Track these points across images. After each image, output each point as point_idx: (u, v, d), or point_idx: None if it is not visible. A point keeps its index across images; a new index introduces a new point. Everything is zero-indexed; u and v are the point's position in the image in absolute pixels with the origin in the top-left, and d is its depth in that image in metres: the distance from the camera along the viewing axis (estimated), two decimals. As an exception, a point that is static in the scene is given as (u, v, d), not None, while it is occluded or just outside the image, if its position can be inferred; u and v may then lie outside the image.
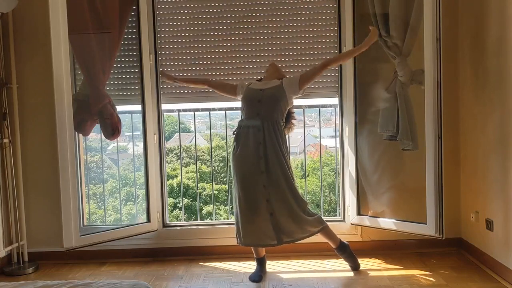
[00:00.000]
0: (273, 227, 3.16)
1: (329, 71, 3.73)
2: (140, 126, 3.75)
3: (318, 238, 3.49)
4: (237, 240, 3.29)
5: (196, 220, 6.51)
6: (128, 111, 3.95)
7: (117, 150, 4.65)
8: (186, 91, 3.79)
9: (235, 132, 3.26)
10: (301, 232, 3.21)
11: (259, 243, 3.25)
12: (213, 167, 9.32)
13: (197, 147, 8.62)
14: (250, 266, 3.46)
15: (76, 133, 3.54)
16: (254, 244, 3.27)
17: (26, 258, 3.63)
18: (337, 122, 3.88)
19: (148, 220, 3.73)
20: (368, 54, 3.65)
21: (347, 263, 3.39)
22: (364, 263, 3.49)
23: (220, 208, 9.28)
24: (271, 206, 3.15)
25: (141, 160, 3.95)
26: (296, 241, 3.25)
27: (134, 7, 3.61)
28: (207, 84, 3.59)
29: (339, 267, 3.46)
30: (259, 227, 3.18)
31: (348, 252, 3.35)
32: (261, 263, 3.36)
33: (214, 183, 9.75)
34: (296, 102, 3.86)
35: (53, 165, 3.50)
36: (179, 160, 8.34)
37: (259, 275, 3.27)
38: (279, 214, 3.16)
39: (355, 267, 3.36)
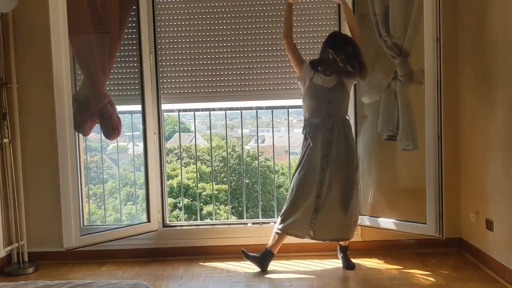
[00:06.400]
0: (309, 222, 3.27)
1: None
2: (140, 126, 3.75)
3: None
4: (279, 224, 3.34)
5: (196, 220, 6.51)
6: (128, 111, 3.95)
7: (117, 150, 4.65)
8: (186, 91, 3.79)
9: (304, 132, 3.34)
10: (331, 236, 3.34)
11: (291, 232, 3.31)
12: (213, 167, 9.32)
13: (197, 147, 8.61)
14: (250, 266, 3.46)
15: (76, 133, 3.54)
16: (288, 232, 3.32)
17: (26, 258, 3.63)
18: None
19: (148, 220, 3.73)
20: (368, 54, 3.65)
21: (341, 261, 3.47)
22: (364, 263, 3.50)
23: (220, 208, 9.28)
24: (318, 203, 3.25)
25: (141, 160, 3.95)
26: (322, 241, 3.39)
27: (134, 7, 3.61)
28: (290, 35, 3.38)
29: (339, 267, 3.46)
30: (300, 218, 3.27)
31: (346, 253, 3.49)
32: (266, 253, 3.38)
33: (214, 183, 9.74)
34: (297, 102, 3.87)
35: (53, 165, 3.49)
36: (179, 160, 8.34)
37: (254, 257, 3.38)
38: (323, 214, 3.26)
39: (349, 267, 3.42)
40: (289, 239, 3.65)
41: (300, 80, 3.36)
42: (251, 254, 3.42)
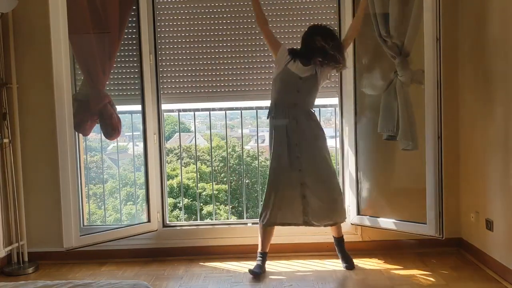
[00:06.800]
0: (302, 209, 3.29)
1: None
2: (140, 126, 3.75)
3: (319, 237, 3.51)
4: (262, 220, 3.32)
5: (196, 220, 6.51)
6: (128, 111, 3.95)
7: (117, 150, 4.65)
8: (186, 91, 3.79)
9: (269, 117, 3.35)
10: (326, 220, 3.34)
11: (285, 221, 3.32)
12: (213, 167, 9.32)
13: (197, 147, 8.61)
14: (250, 266, 3.45)
15: (76, 133, 3.54)
16: (281, 223, 3.33)
17: (26, 258, 3.63)
18: (337, 122, 3.88)
19: (148, 220, 3.72)
20: (368, 54, 3.66)
21: (340, 259, 3.44)
22: (364, 263, 3.50)
23: (220, 208, 9.27)
24: (305, 189, 3.27)
25: (141, 160, 3.95)
26: (318, 226, 3.39)
27: (134, 7, 3.61)
28: (265, 22, 3.36)
29: (339, 267, 3.45)
30: (289, 208, 3.28)
31: (343, 247, 3.46)
32: (263, 258, 3.37)
33: (214, 183, 9.74)
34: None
35: (53, 165, 3.49)
36: (179, 160, 8.34)
37: (259, 269, 3.30)
38: (311, 198, 3.28)
39: (348, 264, 3.40)
40: (289, 239, 3.66)
41: (275, 63, 3.37)
42: (257, 270, 3.31)
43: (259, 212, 3.40)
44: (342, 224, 3.64)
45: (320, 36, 3.21)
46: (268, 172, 3.36)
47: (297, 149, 3.28)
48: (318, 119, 3.49)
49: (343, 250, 3.46)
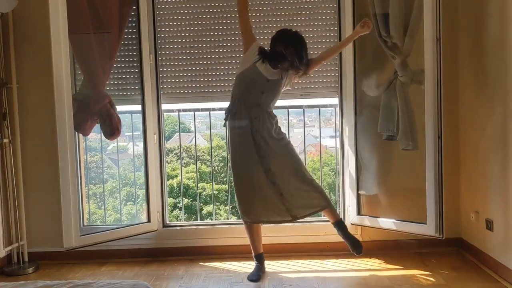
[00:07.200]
0: (285, 208, 3.25)
1: (329, 71, 3.74)
2: (140, 126, 3.75)
3: (320, 237, 3.52)
4: (246, 221, 3.29)
5: (196, 220, 6.51)
6: (128, 111, 3.95)
7: (117, 150, 4.65)
8: (186, 91, 3.79)
9: (228, 113, 3.28)
10: (309, 209, 3.27)
11: (274, 219, 3.30)
12: (213, 167, 9.31)
13: (197, 147, 8.61)
14: (250, 266, 3.46)
15: (76, 133, 3.54)
16: (269, 221, 3.31)
17: (26, 258, 3.63)
18: (337, 122, 3.88)
19: (148, 220, 3.73)
20: (368, 54, 3.66)
21: (346, 243, 3.27)
22: (364, 263, 3.50)
23: (220, 208, 9.27)
24: (279, 188, 3.23)
25: (141, 160, 3.95)
26: (307, 217, 3.32)
27: (134, 7, 3.61)
28: (245, 10, 3.28)
29: (339, 267, 3.46)
30: (271, 206, 3.25)
31: (344, 230, 3.27)
32: (260, 260, 3.36)
33: (214, 183, 9.74)
34: (297, 102, 3.86)
35: (53, 165, 3.49)
36: (179, 160, 8.34)
37: (257, 275, 3.28)
38: (288, 194, 3.24)
39: (357, 248, 3.22)
40: (289, 239, 3.66)
41: (244, 57, 3.29)
42: (254, 277, 3.27)
43: (240, 215, 3.33)
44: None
45: (281, 42, 3.16)
46: (234, 173, 3.28)
47: (262, 148, 3.23)
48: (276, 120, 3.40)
49: (346, 233, 3.25)
